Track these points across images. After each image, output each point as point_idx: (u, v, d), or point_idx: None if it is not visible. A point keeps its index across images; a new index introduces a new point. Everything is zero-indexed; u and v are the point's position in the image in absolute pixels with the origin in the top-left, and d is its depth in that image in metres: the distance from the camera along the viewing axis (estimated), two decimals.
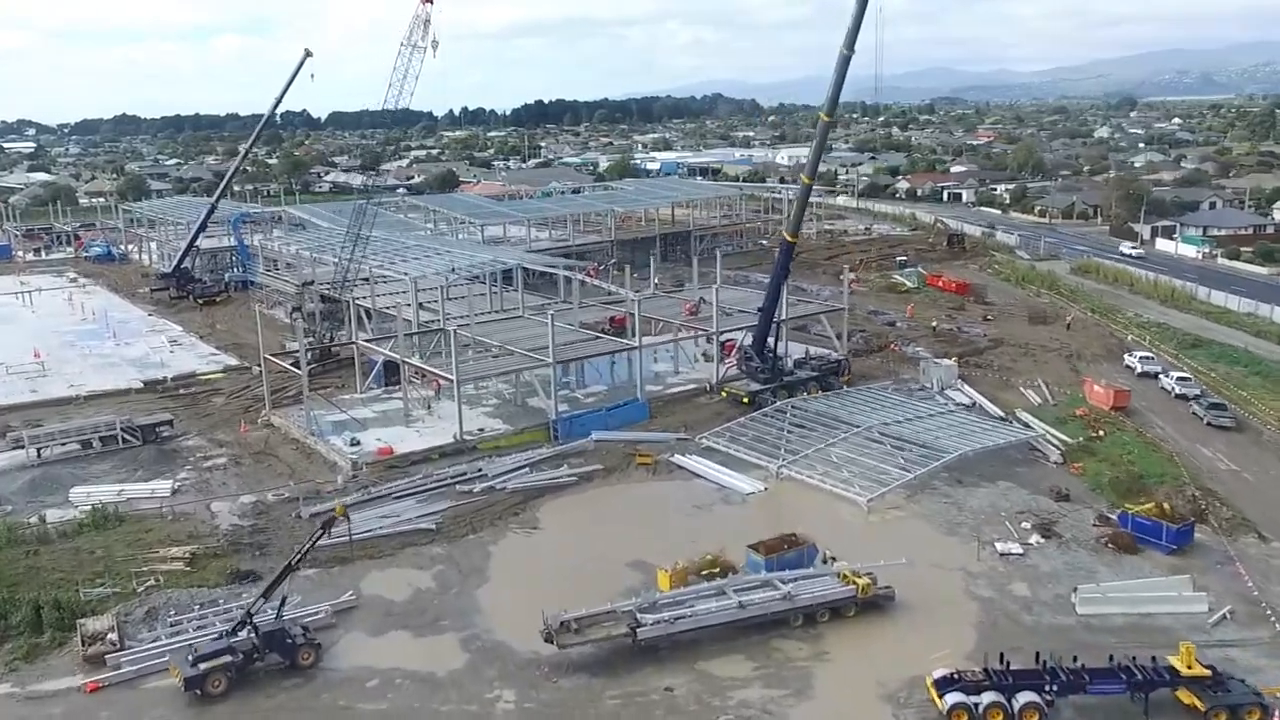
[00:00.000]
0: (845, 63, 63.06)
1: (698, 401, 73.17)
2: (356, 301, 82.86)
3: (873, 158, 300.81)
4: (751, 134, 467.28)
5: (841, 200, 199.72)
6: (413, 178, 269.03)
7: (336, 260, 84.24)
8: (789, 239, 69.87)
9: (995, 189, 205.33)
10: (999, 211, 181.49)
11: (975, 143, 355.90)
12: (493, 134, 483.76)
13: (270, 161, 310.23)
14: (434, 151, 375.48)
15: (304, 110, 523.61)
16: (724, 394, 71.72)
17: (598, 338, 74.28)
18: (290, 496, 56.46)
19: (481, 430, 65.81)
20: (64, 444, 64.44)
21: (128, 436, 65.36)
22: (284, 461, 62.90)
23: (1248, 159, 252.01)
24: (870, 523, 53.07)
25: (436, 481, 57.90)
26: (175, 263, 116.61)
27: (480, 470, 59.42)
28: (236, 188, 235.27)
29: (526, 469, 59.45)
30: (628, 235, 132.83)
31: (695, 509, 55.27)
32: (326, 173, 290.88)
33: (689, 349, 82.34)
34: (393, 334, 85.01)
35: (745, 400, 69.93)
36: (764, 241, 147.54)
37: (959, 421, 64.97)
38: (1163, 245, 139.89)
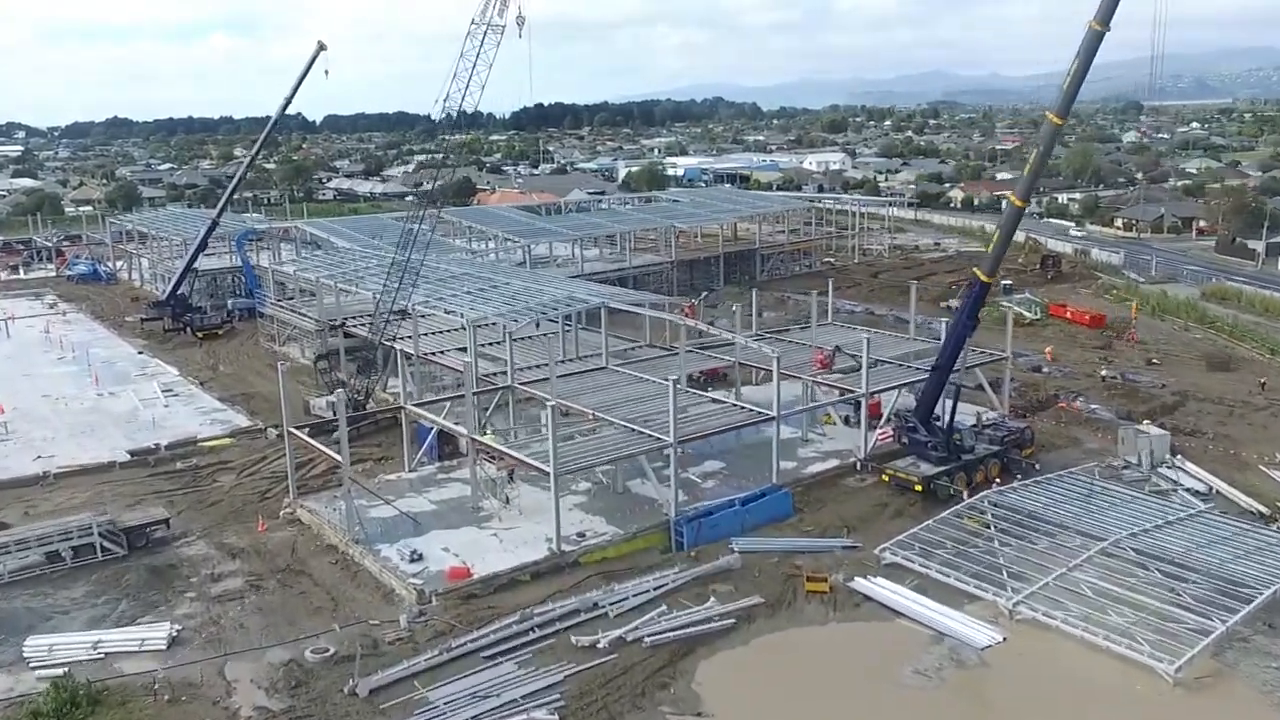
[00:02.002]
0: (1095, 43, 46.62)
1: (846, 485, 56.73)
2: (397, 347, 66.18)
3: (905, 164, 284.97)
4: (761, 137, 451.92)
5: (894, 211, 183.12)
6: (421, 184, 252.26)
7: (376, 296, 67.91)
8: (983, 278, 53.46)
9: (1057, 198, 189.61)
10: (1072, 224, 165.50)
11: (1002, 148, 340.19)
12: (495, 137, 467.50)
13: (268, 166, 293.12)
14: (438, 156, 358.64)
15: (299, 114, 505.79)
16: (885, 477, 55.27)
17: (723, 404, 57.64)
18: (337, 655, 39.83)
19: (581, 536, 49.24)
20: (22, 556, 47.79)
21: (109, 545, 48.75)
22: (321, 585, 46.25)
23: None
24: (1188, 704, 36.73)
25: (541, 625, 41.40)
26: (170, 289, 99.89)
27: (596, 604, 42.96)
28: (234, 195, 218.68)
29: (662, 606, 42.88)
30: (686, 254, 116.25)
31: (918, 675, 38.82)
32: (329, 179, 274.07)
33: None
34: (444, 391, 68.96)
35: (918, 488, 53.63)
36: (831, 260, 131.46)
37: (1224, 527, 48.61)
38: None
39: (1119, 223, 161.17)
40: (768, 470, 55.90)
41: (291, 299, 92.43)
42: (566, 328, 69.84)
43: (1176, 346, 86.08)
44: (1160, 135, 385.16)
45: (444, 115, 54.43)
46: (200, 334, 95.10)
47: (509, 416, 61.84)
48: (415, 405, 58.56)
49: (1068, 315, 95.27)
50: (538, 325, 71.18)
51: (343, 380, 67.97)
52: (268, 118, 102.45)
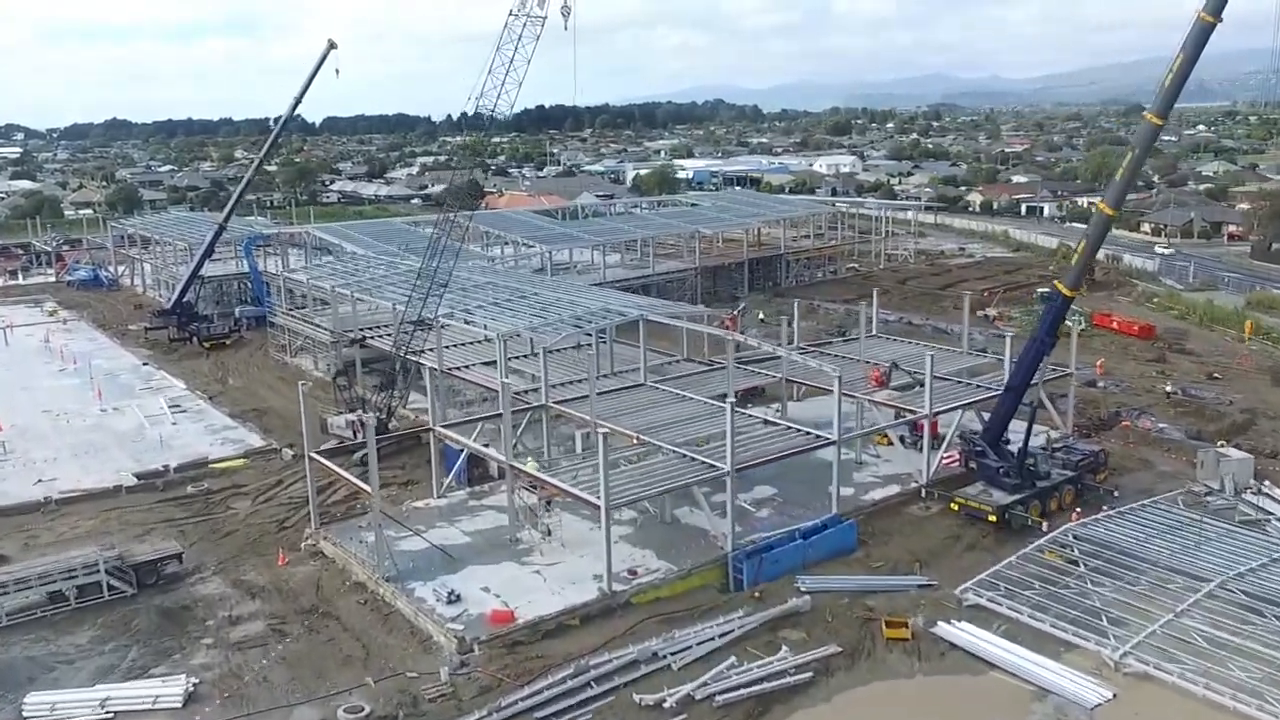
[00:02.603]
0: (1204, 36, 42.49)
1: (910, 514, 52.61)
2: (423, 362, 61.96)
3: (916, 166, 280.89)
4: (765, 140, 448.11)
5: (912, 215, 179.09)
6: (426, 187, 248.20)
7: (396, 306, 63.97)
8: (1066, 292, 49.32)
9: (1078, 202, 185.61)
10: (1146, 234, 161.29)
11: (1011, 150, 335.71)
12: (498, 139, 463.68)
13: (270, 169, 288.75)
14: (441, 158, 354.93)
15: (299, 115, 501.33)
16: (954, 506, 51.16)
17: (776, 425, 53.47)
18: (373, 714, 35.73)
19: (632, 573, 45.11)
20: (23, 596, 43.64)
21: (116, 583, 44.64)
22: (350, 629, 42.10)
23: None
24: None
25: (598, 679, 37.31)
26: (175, 296, 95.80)
27: (657, 654, 38.86)
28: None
29: (730, 658, 38.72)
30: (709, 261, 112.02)
31: None
32: (332, 181, 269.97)
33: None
34: (468, 407, 65.04)
35: (992, 518, 49.56)
36: (856, 265, 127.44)
37: None
38: None
39: (1145, 227, 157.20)
40: (824, 497, 51.84)
41: (302, 308, 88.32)
42: (601, 341, 65.64)
43: (1233, 359, 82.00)
44: (1169, 138, 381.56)
45: (476, 113, 50.26)
46: (207, 344, 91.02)
47: (542, 437, 57.82)
48: (444, 426, 54.36)
49: (1114, 325, 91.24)
50: (577, 342, 67.08)
51: (363, 398, 63.87)
52: (268, 119, 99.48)
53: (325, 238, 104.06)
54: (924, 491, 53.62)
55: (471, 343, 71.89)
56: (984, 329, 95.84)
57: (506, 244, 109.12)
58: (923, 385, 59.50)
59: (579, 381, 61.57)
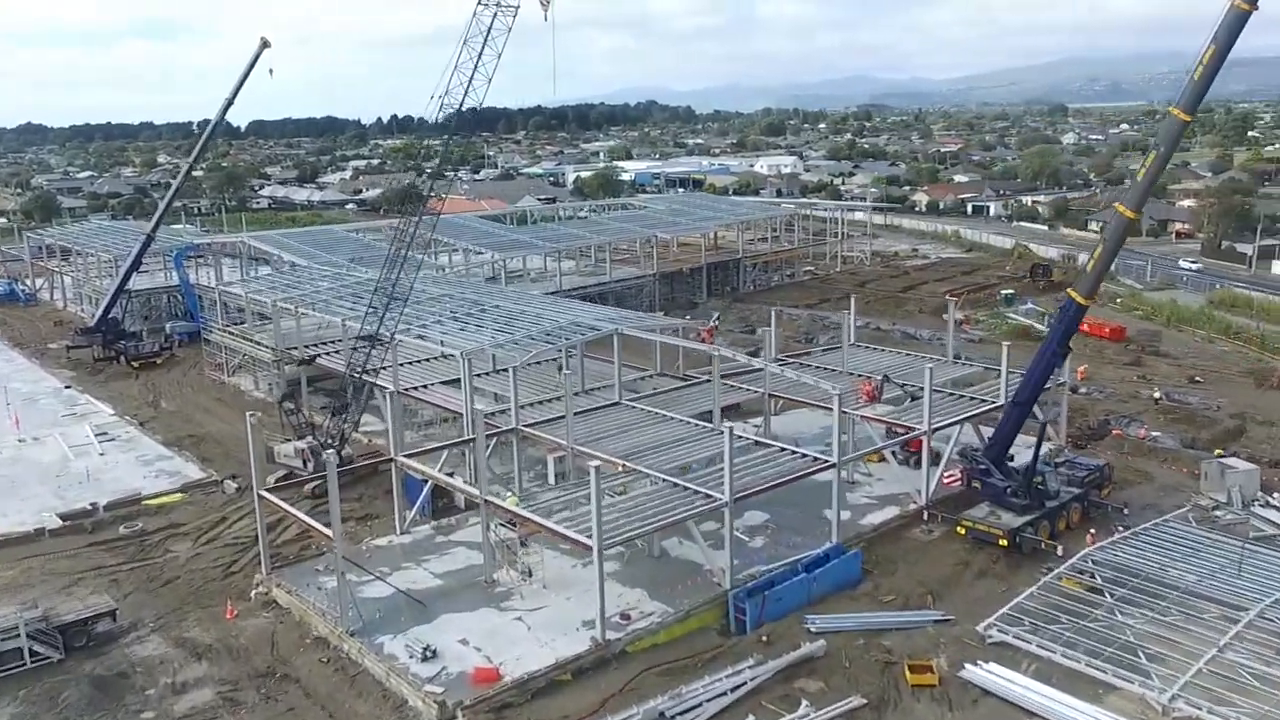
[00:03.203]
0: (1239, 25, 39.52)
1: (912, 538, 49.29)
2: (377, 383, 57.03)
3: (856, 166, 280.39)
4: (700, 141, 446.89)
5: (860, 216, 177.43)
6: (361, 191, 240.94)
7: (346, 321, 59.07)
8: (1080, 300, 46.39)
9: (1024, 201, 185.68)
10: (1045, 228, 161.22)
11: (947, 149, 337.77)
12: (429, 141, 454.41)
13: (196, 173, 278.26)
14: (374, 161, 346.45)
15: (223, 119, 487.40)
16: (960, 530, 47.92)
17: (770, 447, 49.62)
18: None
19: (626, 618, 40.97)
20: None
21: (40, 649, 39.31)
22: (314, 695, 37.37)
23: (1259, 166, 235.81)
24: None
25: None
26: (100, 312, 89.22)
27: (664, 715, 34.81)
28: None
29: (749, 718, 34.83)
30: (666, 266, 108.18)
31: None
32: (261, 186, 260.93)
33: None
34: (426, 430, 60.44)
35: (1002, 542, 46.42)
36: (813, 269, 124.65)
37: None
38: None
39: (1094, 226, 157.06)
40: (820, 522, 48.50)
41: (240, 323, 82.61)
42: (570, 355, 61.36)
43: (1209, 361, 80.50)
44: (1095, 137, 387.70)
45: (441, 113, 45.79)
46: (136, 364, 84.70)
47: (512, 461, 53.43)
48: (408, 456, 49.65)
49: (1084, 327, 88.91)
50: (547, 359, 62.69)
51: (312, 423, 58.84)
52: (190, 122, 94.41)
53: (262, 247, 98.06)
54: (926, 514, 50.35)
55: (426, 359, 67.23)
56: (954, 333, 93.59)
57: (455, 251, 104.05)
58: (915, 399, 56.71)
59: (550, 401, 57.45)
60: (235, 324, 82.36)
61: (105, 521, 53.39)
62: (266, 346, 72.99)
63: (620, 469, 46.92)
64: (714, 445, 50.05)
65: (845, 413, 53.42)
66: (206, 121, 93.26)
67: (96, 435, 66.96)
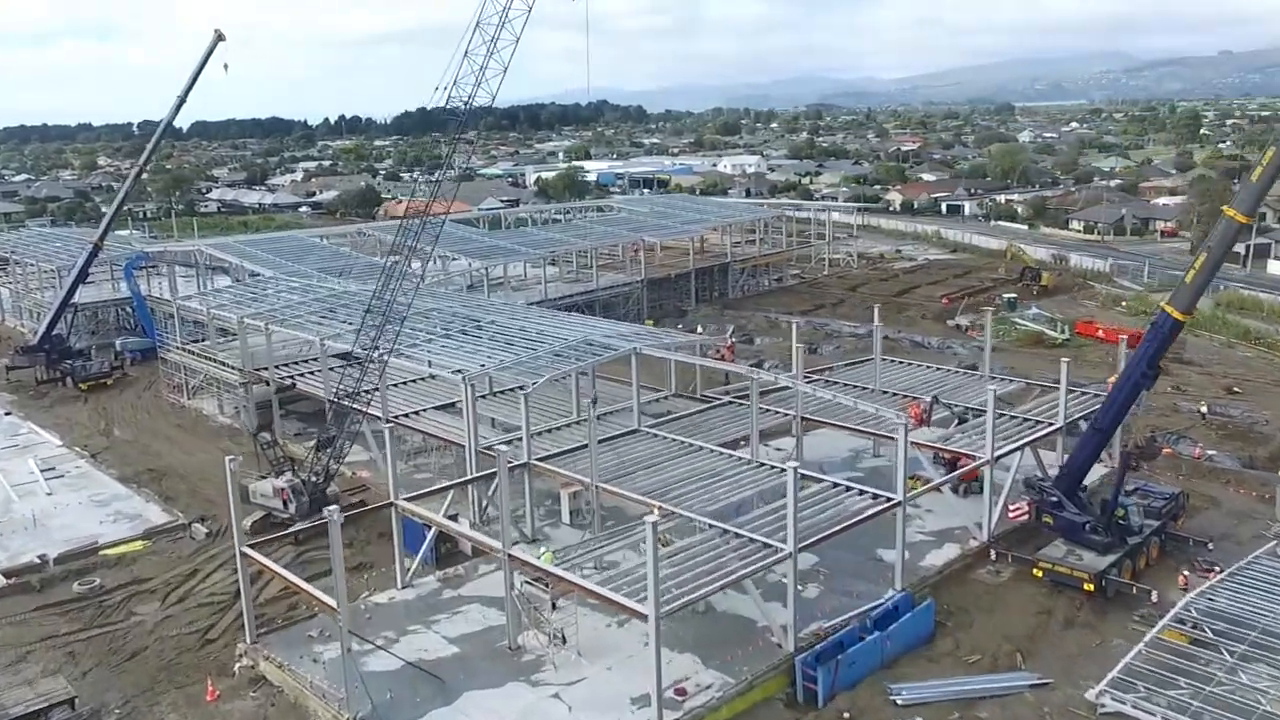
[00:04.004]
0: None
1: (980, 580, 44.11)
2: (366, 412, 50.59)
3: (820, 166, 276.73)
4: (656, 140, 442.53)
5: (837, 217, 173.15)
6: (315, 194, 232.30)
7: (332, 342, 52.70)
8: (1177, 316, 41.51)
9: (998, 200, 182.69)
10: (1025, 227, 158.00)
11: (906, 148, 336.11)
12: (379, 143, 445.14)
13: (142, 176, 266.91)
14: (325, 163, 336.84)
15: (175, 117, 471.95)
16: (1037, 572, 42.82)
17: (821, 481, 44.02)
18: None
19: (681, 693, 35.21)
20: None
21: None
22: None
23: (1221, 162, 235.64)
24: None
25: None
26: (43, 329, 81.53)
27: None
28: (104, 209, 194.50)
29: None
30: (653, 271, 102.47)
31: None
32: (209, 189, 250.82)
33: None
34: (415, 459, 54.40)
35: (1088, 586, 41.41)
36: (799, 272, 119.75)
37: None
38: (1276, 268, 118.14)
39: (1075, 225, 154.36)
40: (873, 563, 43.50)
41: (200, 340, 75.57)
42: (582, 375, 55.39)
43: (1237, 368, 76.66)
44: (1049, 135, 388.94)
45: (448, 104, 39.81)
46: (84, 385, 77.19)
47: (523, 499, 47.56)
48: (409, 499, 43.43)
49: (1100, 334, 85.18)
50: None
51: (291, 458, 52.35)
52: (130, 124, 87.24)
53: (221, 256, 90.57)
54: (994, 552, 45.20)
55: (412, 381, 61.03)
56: (961, 340, 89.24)
57: (430, 258, 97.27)
58: (963, 421, 51.80)
59: (561, 429, 51.63)
60: (195, 341, 75.22)
61: (56, 578, 46.50)
62: (233, 367, 66.10)
63: (657, 512, 41.10)
64: (755, 480, 44.70)
65: (887, 438, 48.57)
66: (147, 123, 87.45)
67: (43, 470, 59.73)
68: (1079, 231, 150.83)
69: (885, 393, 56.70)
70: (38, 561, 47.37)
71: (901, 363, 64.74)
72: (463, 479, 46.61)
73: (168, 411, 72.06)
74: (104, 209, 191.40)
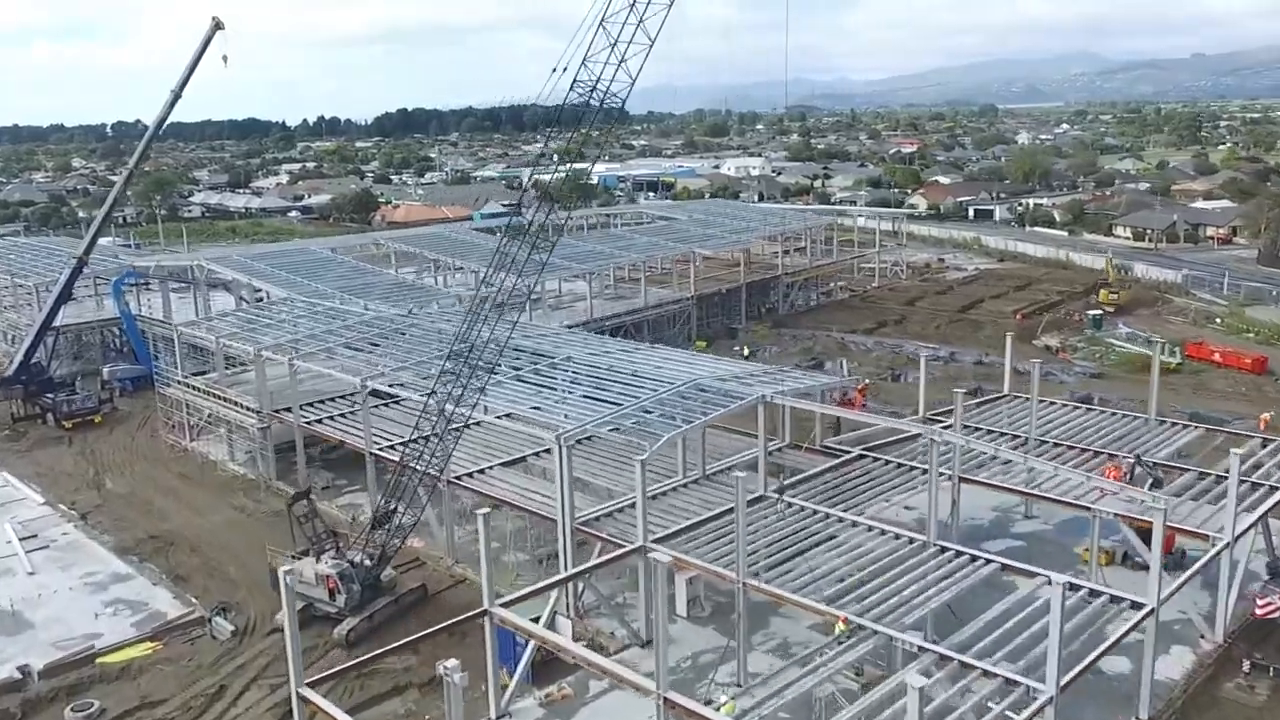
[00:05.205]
0: None
1: (1232, 700, 34.52)
2: (440, 480, 40.50)
3: (826, 168, 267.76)
4: (645, 141, 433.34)
5: (864, 222, 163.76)
6: (303, 197, 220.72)
7: (371, 383, 42.86)
8: None
9: (1028, 204, 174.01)
10: (1065, 234, 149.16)
11: (906, 150, 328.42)
12: (361, 144, 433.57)
13: (114, 178, 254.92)
14: (308, 165, 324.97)
15: (137, 120, 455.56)
16: None
17: (992, 563, 34.38)
18: None
19: None
20: None
21: None
22: None
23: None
24: None
25: None
26: (20, 357, 70.81)
27: None
28: (81, 214, 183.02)
29: None
30: (703, 287, 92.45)
31: None
32: (191, 192, 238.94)
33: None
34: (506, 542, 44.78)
35: None
36: (848, 285, 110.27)
37: None
38: None
39: (1120, 231, 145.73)
40: (1096, 677, 33.74)
41: (204, 371, 65.33)
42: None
43: None
44: (1045, 137, 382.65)
45: (576, 92, 30.04)
46: (69, 424, 66.66)
47: (639, 591, 37.81)
48: (506, 604, 33.36)
49: (1216, 358, 76.14)
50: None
51: (334, 532, 42.28)
52: (104, 125, 76.53)
53: (222, 272, 79.92)
54: (1246, 663, 35.67)
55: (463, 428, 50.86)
56: (1052, 364, 79.92)
57: (456, 271, 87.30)
58: (1158, 483, 42.25)
59: (665, 494, 41.88)
60: (198, 373, 64.87)
61: (43, 699, 36.23)
62: (248, 409, 55.79)
63: (843, 623, 31.39)
64: (941, 569, 35.09)
65: (1089, 508, 39.12)
66: (121, 124, 76.63)
67: (23, 540, 49.23)
68: (1125, 238, 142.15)
69: (1044, 442, 47.29)
70: (18, 676, 37.05)
71: (1047, 401, 54.60)
72: (576, 570, 36.61)
73: (168, 457, 61.63)
74: (81, 214, 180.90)
